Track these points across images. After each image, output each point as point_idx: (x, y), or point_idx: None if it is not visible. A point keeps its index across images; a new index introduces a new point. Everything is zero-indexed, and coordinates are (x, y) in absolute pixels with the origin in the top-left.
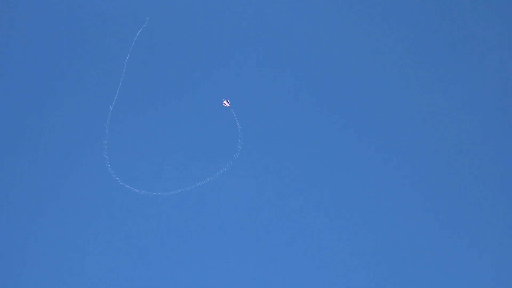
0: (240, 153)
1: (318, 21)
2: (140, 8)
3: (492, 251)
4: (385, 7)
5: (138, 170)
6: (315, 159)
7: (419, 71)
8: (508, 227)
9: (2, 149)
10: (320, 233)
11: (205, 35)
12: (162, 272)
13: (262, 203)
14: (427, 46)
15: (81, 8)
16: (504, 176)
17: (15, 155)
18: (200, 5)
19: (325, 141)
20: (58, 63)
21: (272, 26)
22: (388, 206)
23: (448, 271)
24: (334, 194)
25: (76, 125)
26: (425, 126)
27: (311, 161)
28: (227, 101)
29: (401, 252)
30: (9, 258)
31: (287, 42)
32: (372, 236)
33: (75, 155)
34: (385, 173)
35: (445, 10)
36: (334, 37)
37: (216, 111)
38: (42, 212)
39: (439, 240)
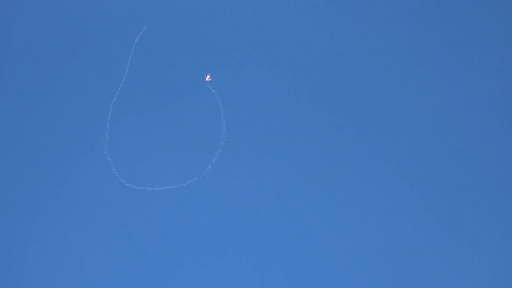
0: (241, 152)
1: (318, 21)
2: (140, 8)
3: (492, 251)
4: (385, 7)
5: (139, 167)
6: (315, 159)
7: (419, 71)
8: (508, 227)
9: (2, 149)
10: (319, 233)
11: (205, 35)
12: (163, 271)
13: (262, 202)
14: (427, 46)
15: (82, 8)
16: (504, 176)
17: (15, 155)
18: (200, 5)
19: (325, 141)
20: (59, 64)
21: (272, 26)
22: (388, 206)
23: (448, 271)
24: (334, 194)
25: (76, 125)
26: (425, 126)
27: (311, 160)
28: (209, 76)
29: (401, 252)
30: (9, 258)
31: (287, 42)
32: (372, 236)
33: (76, 155)
34: (385, 173)
35: (445, 10)
36: (334, 37)
37: (215, 111)
38: (42, 212)
39: (439, 240)
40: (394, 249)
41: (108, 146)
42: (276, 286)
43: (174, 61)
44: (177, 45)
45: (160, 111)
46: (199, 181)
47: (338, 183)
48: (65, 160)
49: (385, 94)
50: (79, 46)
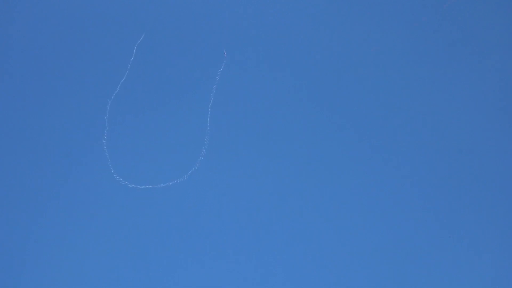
0: (241, 152)
1: (318, 21)
2: (141, 8)
3: (492, 251)
4: (385, 7)
5: (138, 167)
6: (315, 159)
7: (420, 71)
8: (508, 227)
9: (2, 149)
10: (319, 234)
11: (205, 35)
12: (162, 270)
13: (261, 202)
14: (427, 46)
15: (83, 9)
16: (504, 176)
17: (15, 155)
18: (200, 5)
19: (325, 141)
20: (58, 65)
21: (272, 26)
22: (388, 206)
23: (448, 271)
24: (334, 194)
25: (76, 125)
26: (425, 126)
27: (311, 161)
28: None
29: (401, 252)
30: (9, 258)
31: (287, 42)
32: (372, 236)
33: (75, 155)
34: (385, 173)
35: (445, 10)
36: (334, 37)
37: (214, 111)
38: (42, 212)
39: (439, 240)
40: (394, 249)
41: (107, 146)
42: (274, 284)
43: (174, 61)
44: (176, 45)
45: (157, 112)
46: (194, 178)
47: (337, 183)
48: (65, 159)
49: (385, 94)
50: (79, 46)
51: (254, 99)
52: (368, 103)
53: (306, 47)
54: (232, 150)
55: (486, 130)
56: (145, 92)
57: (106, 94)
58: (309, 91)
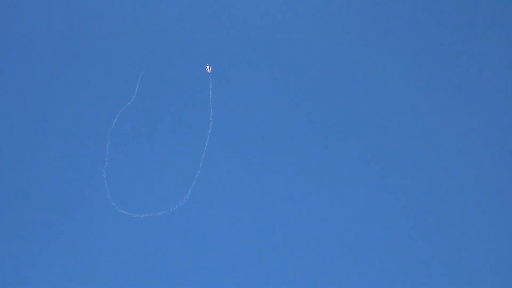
0: (242, 152)
1: (319, 21)
2: (139, 8)
3: (492, 251)
4: (385, 7)
5: (138, 194)
6: (316, 159)
7: (420, 71)
8: (508, 227)
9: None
10: (319, 236)
11: (204, 35)
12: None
13: (261, 205)
14: (428, 47)
15: (85, 9)
16: (504, 177)
17: (13, 183)
18: (199, 5)
19: (325, 142)
20: (59, 72)
21: (272, 26)
22: (389, 206)
23: (448, 271)
24: (333, 196)
25: (76, 151)
26: (425, 127)
27: (311, 162)
28: (209, 67)
29: (401, 252)
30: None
31: (287, 42)
32: (373, 236)
33: (74, 181)
34: (385, 173)
35: (445, 11)
36: (335, 38)
37: (214, 118)
38: (39, 247)
39: (439, 240)
40: (394, 249)
41: (106, 172)
42: None
43: (173, 61)
44: (176, 45)
45: (156, 139)
46: (191, 203)
47: (337, 184)
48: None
49: (385, 95)
50: (81, 52)
51: (253, 100)
52: (368, 103)
53: (307, 48)
54: (230, 152)
55: (486, 130)
56: (144, 122)
57: (105, 125)
58: (310, 91)
